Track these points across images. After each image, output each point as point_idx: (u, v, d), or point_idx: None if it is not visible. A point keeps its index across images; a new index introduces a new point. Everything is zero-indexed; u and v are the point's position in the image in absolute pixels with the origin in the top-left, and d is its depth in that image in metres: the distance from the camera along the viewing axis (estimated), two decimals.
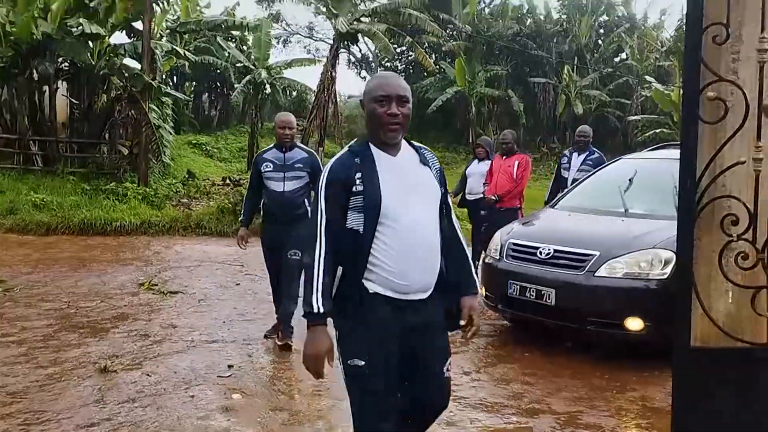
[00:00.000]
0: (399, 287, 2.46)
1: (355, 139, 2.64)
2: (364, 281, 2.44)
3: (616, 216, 5.67)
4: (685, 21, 2.91)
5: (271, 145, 5.50)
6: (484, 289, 5.92)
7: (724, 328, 2.84)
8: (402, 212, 2.44)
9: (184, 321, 6.04)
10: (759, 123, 2.77)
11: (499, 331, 6.13)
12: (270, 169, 5.26)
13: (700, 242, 2.90)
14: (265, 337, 5.55)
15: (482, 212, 7.83)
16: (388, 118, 2.46)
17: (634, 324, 4.86)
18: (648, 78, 24.78)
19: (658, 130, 22.70)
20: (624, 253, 5.00)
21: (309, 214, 4.90)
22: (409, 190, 2.49)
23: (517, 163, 7.49)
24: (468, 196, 8.29)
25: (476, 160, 8.42)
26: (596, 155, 7.47)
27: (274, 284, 5.55)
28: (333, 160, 2.53)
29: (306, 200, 5.26)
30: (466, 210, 8.60)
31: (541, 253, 5.32)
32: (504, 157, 7.59)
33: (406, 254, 2.45)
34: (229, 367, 4.81)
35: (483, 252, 7.78)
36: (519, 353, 5.34)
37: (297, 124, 5.82)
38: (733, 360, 2.87)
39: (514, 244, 5.61)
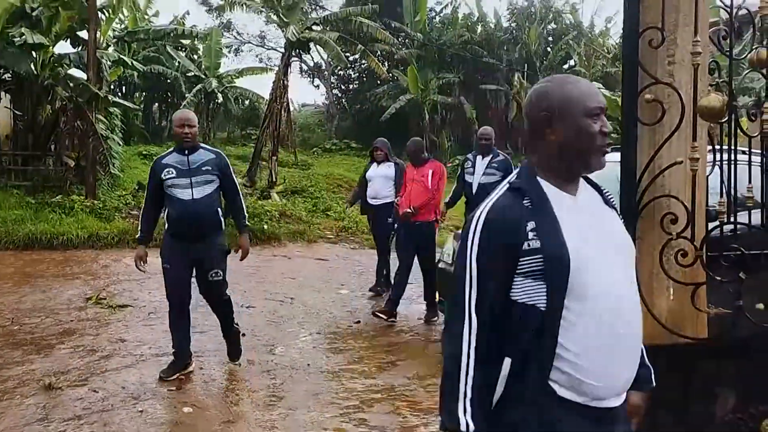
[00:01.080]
0: (596, 391, 1.63)
1: (514, 174, 1.80)
2: (549, 382, 1.61)
3: None
4: (623, 24, 2.99)
5: (171, 149, 4.81)
6: (437, 294, 5.97)
7: (667, 324, 2.90)
8: (599, 280, 1.65)
9: (134, 335, 5.91)
10: (694, 124, 2.85)
11: None
12: (173, 175, 4.59)
13: (641, 241, 2.96)
14: (160, 378, 4.68)
15: (389, 219, 7.58)
16: (604, 138, 1.77)
17: None
18: (596, 84, 25.30)
19: None
20: None
21: (223, 226, 4.81)
22: (603, 246, 1.70)
23: (431, 171, 6.92)
24: (372, 201, 7.87)
25: (374, 164, 8.00)
26: (501, 158, 7.06)
27: (177, 310, 4.77)
28: (489, 203, 1.72)
29: (219, 209, 4.72)
30: (366, 217, 8.30)
31: None
32: (416, 167, 7.00)
33: (607, 342, 1.64)
34: (179, 380, 4.72)
35: (386, 271, 7.98)
36: None
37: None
38: (677, 356, 2.94)
39: None
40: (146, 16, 22.47)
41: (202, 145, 4.82)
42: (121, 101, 18.20)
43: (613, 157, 6.94)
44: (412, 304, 7.34)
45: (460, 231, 6.06)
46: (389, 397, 4.51)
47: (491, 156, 7.01)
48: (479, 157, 7.05)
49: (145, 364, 5.07)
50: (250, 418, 4.10)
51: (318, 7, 22.54)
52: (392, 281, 7.19)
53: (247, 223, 4.93)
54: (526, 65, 28.67)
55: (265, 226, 11.97)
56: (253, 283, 8.44)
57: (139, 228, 4.86)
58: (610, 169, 6.03)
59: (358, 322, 6.60)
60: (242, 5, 18.42)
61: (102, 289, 7.79)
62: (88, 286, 7.96)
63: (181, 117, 4.72)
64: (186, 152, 4.65)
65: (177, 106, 26.11)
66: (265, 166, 17.87)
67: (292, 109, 21.72)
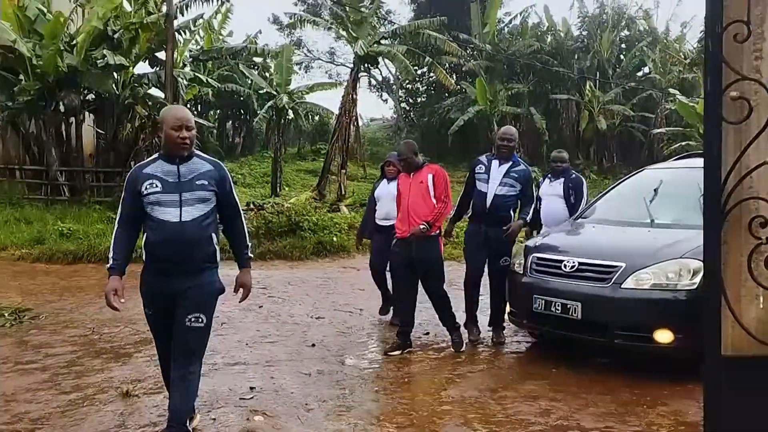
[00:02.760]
0: None
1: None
2: None
3: (641, 227, 5.54)
4: (705, 19, 2.84)
5: (155, 155, 3.70)
6: (508, 304, 5.84)
7: (756, 335, 2.73)
8: None
9: (207, 344, 6.00)
10: None
11: (525, 346, 6.02)
12: (157, 189, 3.50)
13: (727, 246, 2.80)
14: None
15: (405, 240, 5.82)
16: None
17: (663, 336, 4.72)
18: (672, 90, 24.53)
19: (684, 143, 22.38)
20: (651, 264, 4.88)
21: (218, 258, 3.62)
22: None
23: (431, 176, 5.76)
24: (382, 222, 6.83)
25: (385, 180, 6.96)
26: (522, 167, 5.99)
27: (166, 358, 3.79)
28: None
29: (214, 235, 3.62)
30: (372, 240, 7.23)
31: (565, 266, 5.21)
32: (412, 174, 5.86)
33: None
34: (251, 389, 4.75)
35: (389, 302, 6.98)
36: (546, 369, 5.22)
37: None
38: (766, 368, 2.75)
39: (538, 258, 5.51)
40: (221, 36, 23.16)
41: (197, 152, 3.69)
42: (197, 119, 18.76)
43: (697, 162, 6.59)
44: (482, 315, 7.21)
45: (531, 240, 5.88)
46: (460, 410, 4.42)
47: (511, 163, 5.96)
48: (495, 162, 5.98)
49: (218, 373, 5.14)
50: (320, 427, 4.08)
51: (386, 22, 22.71)
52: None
53: (250, 254, 3.85)
54: (597, 73, 28.07)
55: (335, 239, 12.08)
56: (322, 295, 8.50)
57: (110, 254, 3.61)
58: (695, 173, 5.73)
59: (427, 333, 6.52)
60: (312, 22, 18.74)
61: None
62: None
63: (178, 115, 3.58)
64: (177, 161, 3.55)
65: (250, 123, 26.81)
66: (335, 179, 18.07)
67: (360, 123, 21.92)
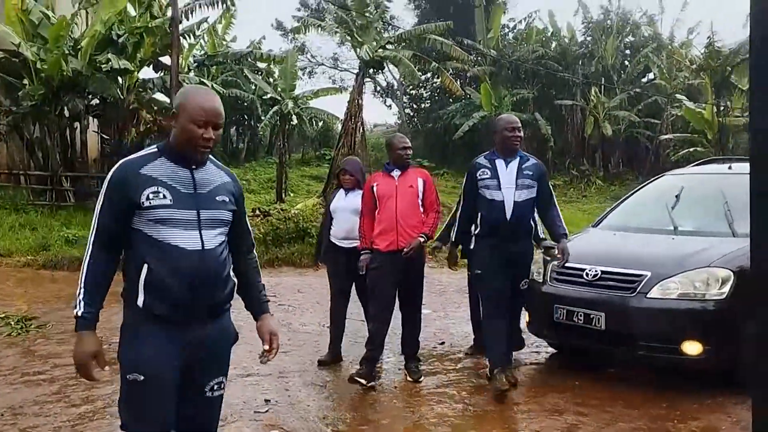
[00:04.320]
0: None
1: None
2: None
3: (665, 234, 5.40)
4: (749, 13, 2.71)
5: (151, 149, 2.58)
6: (527, 315, 5.68)
7: None
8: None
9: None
10: None
11: (544, 357, 5.87)
12: (167, 201, 2.45)
13: None
14: None
15: (395, 255, 4.99)
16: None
17: (692, 348, 4.57)
18: (679, 96, 24.41)
19: (691, 149, 22.27)
20: (677, 273, 4.73)
21: (234, 292, 2.64)
22: None
23: (422, 181, 5.12)
24: (341, 243, 5.56)
25: (342, 191, 5.73)
26: (533, 161, 4.97)
27: None
28: None
29: (229, 265, 2.62)
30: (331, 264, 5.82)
31: (587, 274, 5.06)
32: (401, 173, 5.12)
33: None
34: (266, 401, 4.62)
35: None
36: (569, 381, 5.07)
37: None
38: None
39: (559, 266, 5.37)
40: (224, 42, 23.09)
41: (212, 158, 2.68)
42: None
43: (718, 168, 6.41)
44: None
45: (548, 244, 5.67)
46: (482, 422, 4.28)
47: (518, 159, 4.90)
48: (500, 162, 4.88)
49: (231, 384, 4.97)
50: None
51: (391, 27, 22.65)
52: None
53: (267, 296, 2.84)
54: (603, 79, 27.95)
55: None
56: None
57: (79, 295, 2.43)
58: (717, 179, 5.55)
59: (443, 343, 6.38)
60: (317, 27, 18.66)
61: None
62: None
63: (206, 106, 2.50)
64: (191, 164, 2.55)
65: (254, 129, 26.72)
66: None
67: (365, 128, 21.81)
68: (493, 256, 4.85)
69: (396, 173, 5.15)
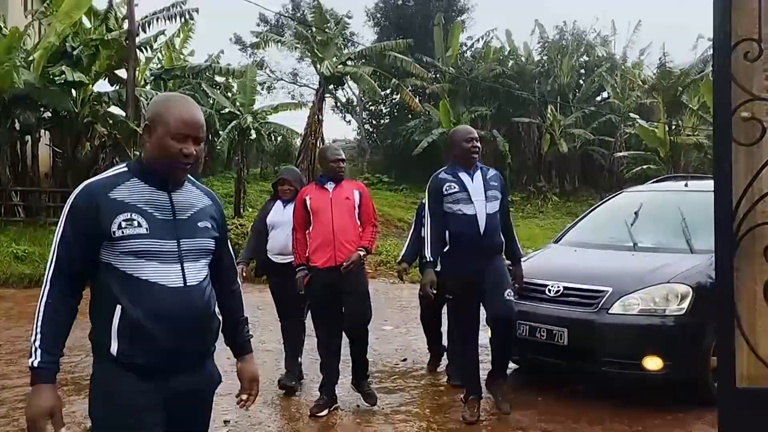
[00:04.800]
0: None
1: None
2: None
3: (625, 250, 5.47)
4: (713, 37, 2.76)
5: (120, 168, 2.19)
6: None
7: None
8: None
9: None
10: None
11: (508, 374, 5.85)
12: (142, 230, 2.07)
13: (740, 274, 2.68)
14: None
15: (331, 271, 4.69)
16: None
17: (652, 363, 4.62)
18: (632, 115, 24.99)
19: (645, 166, 22.78)
20: (638, 289, 4.78)
21: (219, 331, 2.28)
22: None
23: (358, 194, 4.90)
24: (278, 258, 5.29)
25: (280, 202, 5.42)
26: (494, 172, 4.81)
27: None
28: None
29: (215, 301, 2.25)
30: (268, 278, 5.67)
31: (550, 290, 5.08)
32: (333, 187, 4.85)
33: None
34: (225, 422, 4.50)
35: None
36: (532, 398, 5.06)
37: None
38: None
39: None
40: (182, 55, 22.80)
41: (191, 177, 2.31)
42: None
43: (675, 185, 6.54)
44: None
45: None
46: None
47: (480, 170, 4.70)
48: (464, 175, 4.62)
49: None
50: None
51: (351, 43, 22.69)
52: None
53: (251, 332, 2.52)
54: (558, 98, 28.45)
55: None
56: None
57: (35, 342, 2.03)
58: (674, 196, 5.67)
59: (405, 360, 6.34)
60: (277, 42, 18.58)
61: None
62: None
63: (185, 117, 2.12)
64: (168, 185, 2.17)
65: (212, 143, 26.40)
66: None
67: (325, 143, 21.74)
68: (464, 276, 4.55)
69: (330, 186, 4.85)
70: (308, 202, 4.80)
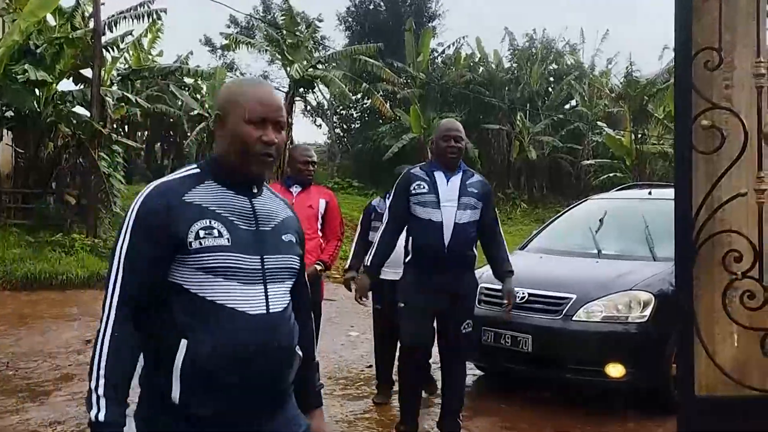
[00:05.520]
0: None
1: None
2: None
3: (590, 257, 5.50)
4: (674, 47, 2.77)
5: (190, 169, 1.81)
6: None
7: (732, 374, 2.62)
8: None
9: (135, 381, 5.58)
10: (760, 152, 2.61)
11: (472, 381, 5.84)
12: (223, 242, 1.67)
13: (700, 281, 2.69)
14: None
15: None
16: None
17: (615, 370, 4.64)
18: (599, 123, 25.31)
19: (611, 174, 23.07)
20: (602, 296, 4.81)
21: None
22: None
23: (324, 203, 4.57)
24: None
25: None
26: (478, 178, 4.17)
27: None
28: None
29: (297, 333, 1.85)
30: None
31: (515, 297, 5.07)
32: (298, 191, 4.50)
33: None
34: None
35: None
36: (496, 405, 5.05)
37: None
38: (743, 409, 2.65)
39: (486, 289, 5.35)
40: (150, 56, 22.52)
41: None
42: (124, 140, 18.09)
43: (640, 193, 6.60)
44: None
45: (479, 271, 5.66)
46: None
47: (462, 173, 4.07)
48: (440, 175, 4.02)
49: None
50: None
51: (322, 47, 22.62)
52: None
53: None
54: (528, 105, 28.71)
55: None
56: None
57: (97, 389, 1.61)
58: (638, 204, 5.71)
59: (370, 366, 6.27)
60: (247, 44, 18.44)
61: None
62: (87, 328, 7.64)
63: (267, 96, 1.80)
64: (249, 189, 1.81)
65: (180, 146, 26.11)
66: None
67: None
68: (422, 292, 3.97)
69: (295, 189, 4.47)
70: None
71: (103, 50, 15.28)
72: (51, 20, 15.31)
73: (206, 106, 21.90)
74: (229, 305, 1.65)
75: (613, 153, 24.37)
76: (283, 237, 1.82)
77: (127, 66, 21.00)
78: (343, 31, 32.39)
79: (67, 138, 15.00)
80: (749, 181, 2.62)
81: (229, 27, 31.90)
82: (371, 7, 31.25)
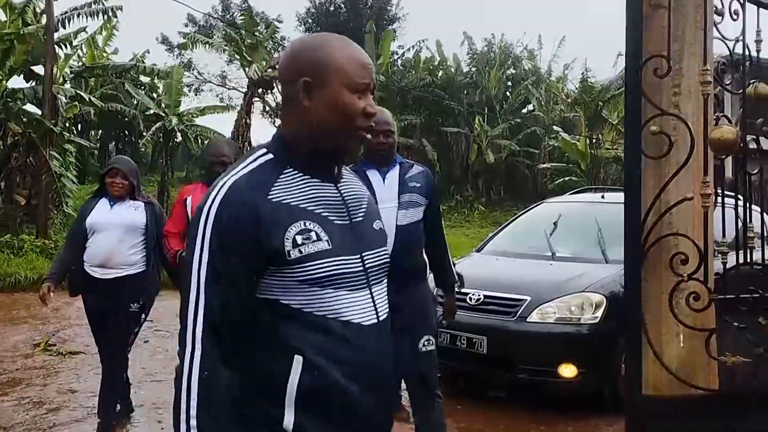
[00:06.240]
0: None
1: None
2: None
3: (544, 259, 5.57)
4: (625, 54, 2.83)
5: (264, 154, 1.46)
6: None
7: (678, 374, 2.69)
8: None
9: (85, 385, 5.46)
10: (705, 157, 2.68)
11: None
12: (323, 246, 1.40)
13: (647, 283, 2.76)
14: None
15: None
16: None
17: (567, 371, 4.70)
18: (555, 128, 25.68)
19: (567, 178, 23.41)
20: (555, 298, 4.87)
21: None
22: None
23: (188, 200, 4.13)
24: (98, 273, 4.21)
25: (105, 200, 4.31)
26: (419, 169, 3.53)
27: None
28: None
29: None
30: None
31: (470, 299, 5.11)
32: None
33: None
34: None
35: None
36: (451, 406, 5.06)
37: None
38: (689, 408, 2.72)
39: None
40: (105, 53, 22.06)
41: None
42: (77, 139, 17.72)
43: (593, 196, 6.69)
44: None
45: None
46: None
47: (398, 167, 3.46)
48: (374, 173, 3.39)
49: (97, 418, 4.65)
50: None
51: (281, 47, 22.47)
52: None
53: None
54: (486, 109, 28.98)
55: None
56: None
57: (189, 420, 1.33)
58: (592, 207, 5.80)
59: None
60: (205, 43, 18.22)
61: (51, 334, 7.30)
62: (36, 331, 7.46)
63: (365, 57, 1.47)
64: (332, 173, 1.50)
65: (135, 145, 25.65)
66: None
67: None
68: None
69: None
70: (190, 204, 4.01)
71: (56, 47, 14.92)
72: (1, 15, 14.89)
73: (163, 105, 21.55)
74: (344, 318, 1.41)
75: (568, 157, 24.74)
76: (374, 226, 1.55)
77: (80, 63, 20.55)
78: (303, 32, 32.25)
79: (17, 136, 14.59)
80: (695, 185, 2.70)
81: (187, 26, 31.49)
82: (332, 8, 31.21)
